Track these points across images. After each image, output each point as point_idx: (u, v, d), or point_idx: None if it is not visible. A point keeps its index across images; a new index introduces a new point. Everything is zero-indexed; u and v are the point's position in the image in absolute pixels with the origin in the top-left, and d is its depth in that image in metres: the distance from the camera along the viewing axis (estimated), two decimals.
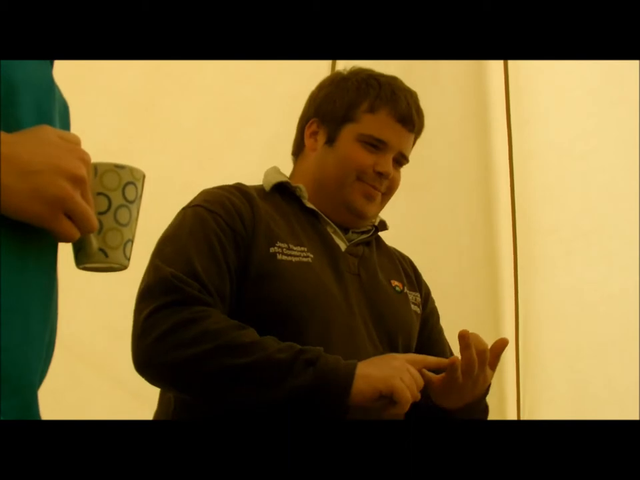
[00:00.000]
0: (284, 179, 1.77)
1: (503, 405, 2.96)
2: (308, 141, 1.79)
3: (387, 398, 1.46)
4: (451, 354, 1.81)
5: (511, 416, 2.94)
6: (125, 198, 1.02)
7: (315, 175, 1.77)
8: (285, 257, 1.61)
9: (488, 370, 1.57)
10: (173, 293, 1.51)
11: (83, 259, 1.01)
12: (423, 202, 2.97)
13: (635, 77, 2.65)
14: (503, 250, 3.01)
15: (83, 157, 0.92)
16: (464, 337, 1.52)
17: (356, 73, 1.78)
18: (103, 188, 1.01)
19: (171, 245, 1.59)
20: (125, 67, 2.52)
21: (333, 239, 1.73)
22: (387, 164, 1.72)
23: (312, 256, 1.64)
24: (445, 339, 1.87)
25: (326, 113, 1.77)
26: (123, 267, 1.04)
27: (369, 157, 1.72)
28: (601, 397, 2.83)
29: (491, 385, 1.65)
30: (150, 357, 1.50)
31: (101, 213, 1.00)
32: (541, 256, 2.96)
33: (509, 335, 2.97)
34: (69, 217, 0.91)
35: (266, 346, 1.48)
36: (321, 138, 1.77)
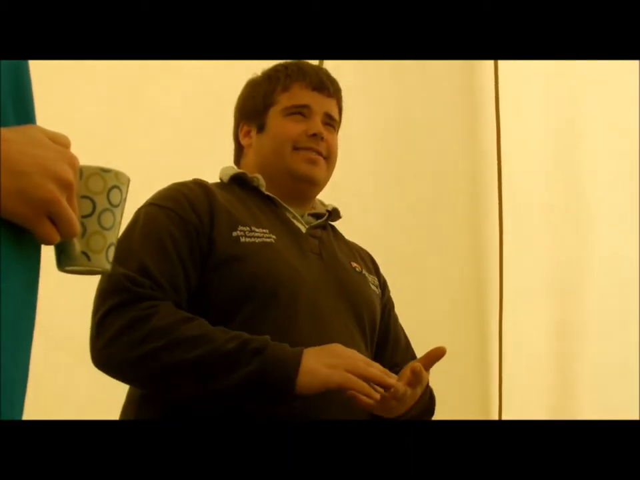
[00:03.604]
0: (241, 171, 1.86)
1: (485, 404, 2.97)
2: (244, 141, 1.89)
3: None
4: (407, 340, 1.93)
5: (493, 416, 2.96)
6: (109, 202, 1.02)
7: (257, 164, 1.86)
8: (247, 239, 1.68)
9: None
10: (122, 293, 1.57)
11: (65, 261, 1.01)
12: (410, 192, 2.97)
13: (622, 73, 2.67)
14: (490, 240, 3.01)
15: (72, 161, 0.92)
16: (416, 374, 1.58)
17: (264, 71, 1.91)
18: (87, 191, 1.00)
19: (123, 245, 1.62)
20: None
21: (293, 222, 1.81)
22: (316, 125, 1.82)
23: (274, 237, 1.71)
24: (400, 326, 1.96)
25: (249, 110, 1.89)
26: (105, 271, 1.03)
27: (298, 125, 1.82)
28: (581, 396, 2.85)
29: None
30: (105, 358, 1.57)
31: (85, 216, 1.00)
32: (527, 251, 2.97)
33: (494, 328, 2.98)
34: (53, 221, 0.91)
35: (213, 338, 1.52)
36: (253, 131, 1.88)
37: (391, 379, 1.55)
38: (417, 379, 1.59)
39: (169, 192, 1.73)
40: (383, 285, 1.95)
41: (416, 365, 1.59)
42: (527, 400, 2.93)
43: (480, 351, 2.96)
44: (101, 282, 1.62)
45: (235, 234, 1.67)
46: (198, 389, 1.53)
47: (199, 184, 1.76)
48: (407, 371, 1.60)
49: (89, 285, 1.65)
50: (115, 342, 1.55)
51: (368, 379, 1.52)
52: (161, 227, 1.66)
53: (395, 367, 1.78)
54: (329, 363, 1.51)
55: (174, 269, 1.62)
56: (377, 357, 1.82)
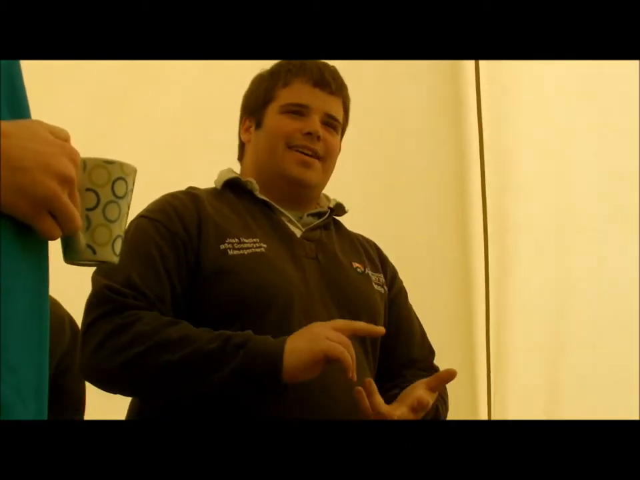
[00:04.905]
0: (234, 175, 1.84)
1: (473, 404, 2.97)
2: (244, 136, 1.88)
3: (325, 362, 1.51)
4: (422, 332, 1.90)
5: (482, 416, 2.96)
6: (114, 194, 1.02)
7: (254, 161, 1.84)
8: (235, 252, 1.67)
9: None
10: (106, 303, 1.59)
11: (70, 254, 1.01)
12: (396, 200, 2.97)
13: (607, 74, 2.68)
14: (476, 248, 3.02)
15: (73, 157, 0.93)
16: (422, 404, 1.61)
17: (271, 67, 1.89)
18: (91, 184, 1.01)
19: None
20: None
21: (287, 227, 1.78)
22: (313, 124, 1.78)
23: (265, 245, 1.70)
24: (415, 317, 1.92)
25: (251, 106, 1.88)
26: (112, 263, 1.04)
27: (294, 123, 1.79)
28: (571, 395, 2.85)
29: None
30: (90, 366, 1.60)
31: (89, 209, 1.01)
32: (513, 253, 2.98)
33: (480, 332, 2.98)
34: (54, 216, 0.91)
35: (195, 338, 1.54)
36: (252, 127, 1.86)
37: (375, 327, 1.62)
38: (421, 407, 1.61)
39: (159, 204, 1.74)
40: (392, 278, 1.91)
41: (423, 397, 1.60)
42: (518, 401, 2.93)
43: (468, 354, 2.97)
44: (89, 295, 1.64)
45: (222, 247, 1.67)
46: (185, 389, 1.54)
47: (189, 194, 1.76)
48: (411, 397, 1.61)
49: (81, 292, 1.66)
50: (99, 350, 1.57)
51: (354, 334, 1.57)
52: (149, 240, 1.67)
53: (410, 367, 1.81)
54: (309, 338, 1.52)
55: (160, 281, 1.63)
56: (391, 352, 1.81)
